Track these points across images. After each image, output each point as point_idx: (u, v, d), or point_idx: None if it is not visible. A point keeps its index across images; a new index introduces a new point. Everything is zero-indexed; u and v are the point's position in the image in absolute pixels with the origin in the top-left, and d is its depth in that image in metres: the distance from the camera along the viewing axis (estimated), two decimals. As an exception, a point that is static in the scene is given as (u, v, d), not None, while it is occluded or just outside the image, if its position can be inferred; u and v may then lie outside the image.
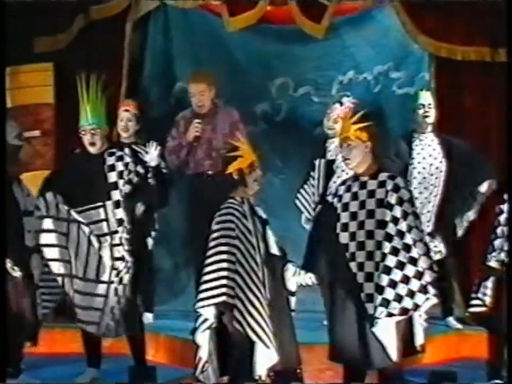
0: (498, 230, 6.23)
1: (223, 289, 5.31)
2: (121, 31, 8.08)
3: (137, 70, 8.29)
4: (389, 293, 5.31)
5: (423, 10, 7.71)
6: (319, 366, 6.48)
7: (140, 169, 6.22)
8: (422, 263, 5.38)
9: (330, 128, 7.38)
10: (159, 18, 8.44)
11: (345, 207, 5.53)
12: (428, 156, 7.45)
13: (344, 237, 5.48)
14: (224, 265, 5.34)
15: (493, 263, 6.20)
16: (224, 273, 5.33)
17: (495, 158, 7.54)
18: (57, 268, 6.07)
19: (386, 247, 5.35)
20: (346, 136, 5.56)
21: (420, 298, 5.33)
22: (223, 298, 5.31)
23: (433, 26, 7.73)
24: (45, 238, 6.06)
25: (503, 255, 6.16)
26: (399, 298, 5.31)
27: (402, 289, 5.31)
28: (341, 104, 7.36)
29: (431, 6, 7.67)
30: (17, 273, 6.07)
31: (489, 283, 6.25)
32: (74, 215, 6.07)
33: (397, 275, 5.32)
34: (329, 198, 5.67)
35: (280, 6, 8.04)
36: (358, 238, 5.45)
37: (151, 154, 6.23)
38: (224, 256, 5.36)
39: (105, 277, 6.09)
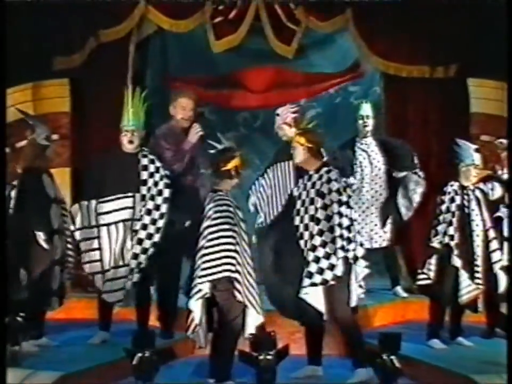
0: (441, 217, 6.36)
1: (226, 267, 5.32)
2: (126, 51, 8.03)
3: (140, 84, 8.27)
4: (313, 267, 5.51)
5: (375, 35, 7.74)
6: (289, 329, 6.49)
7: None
8: (344, 242, 5.55)
9: (282, 136, 7.27)
10: (157, 41, 8.42)
11: (299, 196, 5.72)
12: (368, 156, 7.44)
13: (296, 220, 5.68)
14: (228, 247, 5.35)
15: (436, 244, 6.33)
16: (228, 253, 5.34)
17: (435, 157, 7.61)
18: (89, 268, 6.23)
19: (314, 229, 5.56)
20: (291, 141, 5.88)
21: (339, 270, 5.51)
22: (225, 274, 5.32)
23: (383, 49, 7.75)
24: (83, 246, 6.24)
25: (446, 238, 6.29)
26: (320, 271, 5.50)
27: (323, 263, 5.51)
28: (278, 115, 7.12)
29: (382, 32, 7.73)
30: (46, 246, 6.05)
31: (433, 260, 6.35)
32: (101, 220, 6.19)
33: (319, 252, 5.52)
34: (294, 189, 5.85)
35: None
36: (304, 221, 5.64)
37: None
38: (227, 240, 5.36)
39: (126, 261, 6.16)
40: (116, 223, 6.18)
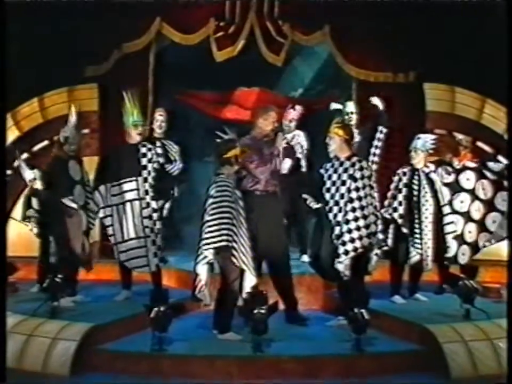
0: (389, 194, 6.40)
1: (224, 237, 5.30)
2: (143, 60, 7.96)
3: (158, 88, 8.21)
4: (346, 237, 5.60)
5: (348, 47, 7.74)
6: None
7: (161, 160, 6.29)
8: (371, 218, 5.65)
9: (287, 126, 7.28)
10: (168, 52, 8.32)
11: (329, 177, 5.75)
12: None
13: (327, 196, 5.72)
14: (226, 220, 5.33)
15: (386, 215, 6.33)
16: (226, 226, 5.32)
17: (398, 146, 7.55)
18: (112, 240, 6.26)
19: (347, 206, 5.62)
20: (329, 131, 5.80)
21: (366, 241, 5.63)
22: (224, 243, 5.31)
23: (354, 58, 7.75)
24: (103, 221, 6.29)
25: (390, 210, 6.33)
26: (352, 240, 5.60)
27: (355, 234, 5.61)
28: (294, 109, 7.28)
29: (354, 44, 7.70)
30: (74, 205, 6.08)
31: (390, 229, 6.35)
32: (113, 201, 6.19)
33: (352, 225, 5.60)
34: (320, 170, 5.85)
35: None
36: (335, 197, 5.69)
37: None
38: (225, 215, 5.33)
39: (140, 233, 6.15)
40: (123, 203, 6.16)
